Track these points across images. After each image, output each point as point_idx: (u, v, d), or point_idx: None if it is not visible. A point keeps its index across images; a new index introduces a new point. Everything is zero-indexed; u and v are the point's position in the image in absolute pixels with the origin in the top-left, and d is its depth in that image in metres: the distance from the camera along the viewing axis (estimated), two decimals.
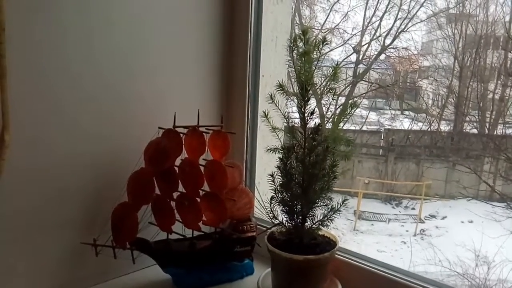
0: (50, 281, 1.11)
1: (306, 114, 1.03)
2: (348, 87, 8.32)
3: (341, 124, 1.08)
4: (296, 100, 1.04)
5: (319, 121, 1.03)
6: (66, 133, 1.08)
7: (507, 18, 7.51)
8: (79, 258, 1.13)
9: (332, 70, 1.02)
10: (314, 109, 1.03)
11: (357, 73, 8.59)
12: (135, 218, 1.09)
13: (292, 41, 1.02)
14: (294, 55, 1.02)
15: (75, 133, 1.09)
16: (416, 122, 8.94)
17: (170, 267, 1.17)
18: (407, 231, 6.84)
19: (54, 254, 1.10)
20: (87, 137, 1.11)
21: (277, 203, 1.07)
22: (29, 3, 0.98)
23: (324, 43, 1.00)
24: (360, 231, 6.84)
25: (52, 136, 1.06)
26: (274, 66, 1.38)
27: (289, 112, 1.08)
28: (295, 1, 7.18)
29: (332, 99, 1.03)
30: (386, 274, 1.10)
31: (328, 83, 1.02)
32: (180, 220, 1.13)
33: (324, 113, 1.04)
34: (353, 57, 8.60)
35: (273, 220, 1.09)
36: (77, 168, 1.11)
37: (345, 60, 8.33)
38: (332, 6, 8.57)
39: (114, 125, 1.16)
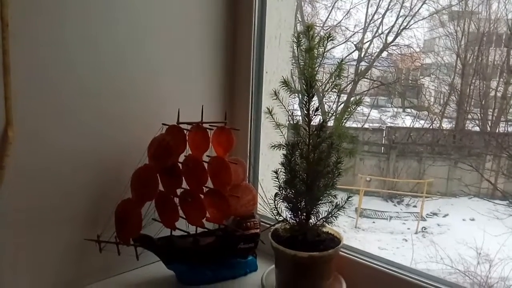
0: (53, 278, 1.11)
1: (310, 111, 1.03)
2: (350, 84, 8.31)
3: (344, 121, 1.07)
4: (300, 97, 1.04)
5: (324, 118, 1.03)
6: (69, 129, 1.08)
7: (510, 16, 7.49)
8: (83, 254, 1.13)
9: (337, 67, 1.01)
10: (319, 106, 1.03)
11: (359, 71, 8.58)
12: (139, 215, 1.09)
13: (296, 37, 1.02)
14: (298, 51, 1.02)
15: (78, 130, 1.09)
16: (418, 120, 8.93)
17: (173, 264, 1.17)
18: (408, 229, 6.85)
19: (58, 251, 1.10)
20: (90, 134, 1.11)
21: (281, 200, 1.07)
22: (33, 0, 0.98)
23: (329, 39, 1.00)
24: (362, 229, 6.85)
25: (56, 132, 1.06)
26: (277, 63, 1.38)
27: (293, 109, 1.07)
28: None
29: (337, 95, 1.02)
30: (390, 271, 1.10)
31: (333, 79, 1.02)
32: (184, 217, 1.13)
33: (327, 110, 1.03)
34: (355, 55, 8.60)
35: (277, 217, 1.09)
36: (80, 165, 1.11)
37: (347, 57, 8.32)
38: (334, 3, 8.57)
39: (118, 122, 1.16)
